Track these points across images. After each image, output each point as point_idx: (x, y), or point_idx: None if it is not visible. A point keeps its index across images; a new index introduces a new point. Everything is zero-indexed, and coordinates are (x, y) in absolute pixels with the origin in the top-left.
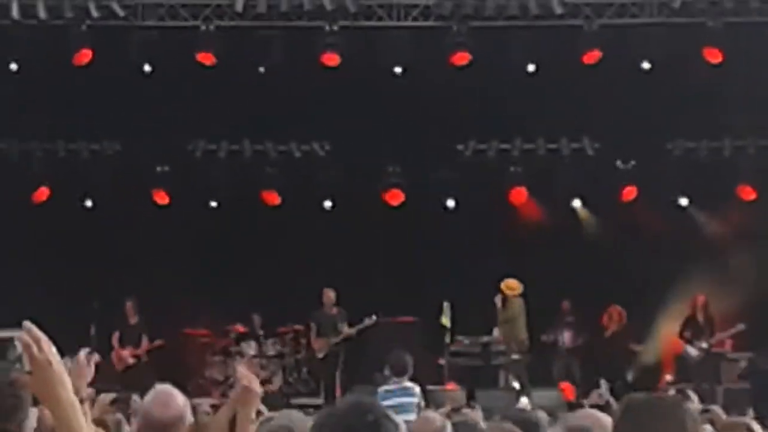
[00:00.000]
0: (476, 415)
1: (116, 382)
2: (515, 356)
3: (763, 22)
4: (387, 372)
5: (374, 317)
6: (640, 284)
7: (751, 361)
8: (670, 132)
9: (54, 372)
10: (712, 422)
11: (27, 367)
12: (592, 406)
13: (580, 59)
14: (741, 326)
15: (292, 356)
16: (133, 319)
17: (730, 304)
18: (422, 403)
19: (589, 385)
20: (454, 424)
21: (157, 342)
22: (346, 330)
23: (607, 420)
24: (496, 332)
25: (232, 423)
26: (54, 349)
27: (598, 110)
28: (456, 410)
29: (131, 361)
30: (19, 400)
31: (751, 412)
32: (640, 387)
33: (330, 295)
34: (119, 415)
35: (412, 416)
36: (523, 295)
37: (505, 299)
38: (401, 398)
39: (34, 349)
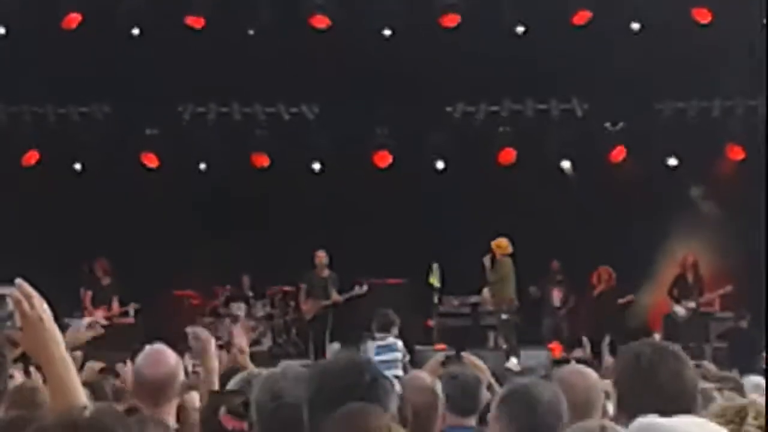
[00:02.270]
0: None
1: (92, 342)
2: (504, 316)
3: None
4: (373, 330)
5: (365, 286)
6: (629, 244)
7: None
8: (659, 92)
9: (45, 328)
10: (704, 377)
11: (18, 323)
12: (578, 361)
13: (569, 20)
14: (729, 287)
15: (281, 317)
16: (105, 280)
17: (719, 264)
18: (407, 358)
19: (576, 343)
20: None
21: (132, 305)
22: (335, 296)
23: (591, 374)
24: (485, 293)
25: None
26: (46, 306)
27: (587, 71)
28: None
29: (104, 321)
30: (4, 359)
31: (736, 372)
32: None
33: (322, 257)
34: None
35: (397, 371)
36: (512, 254)
37: (494, 259)
38: (385, 355)
39: (26, 305)
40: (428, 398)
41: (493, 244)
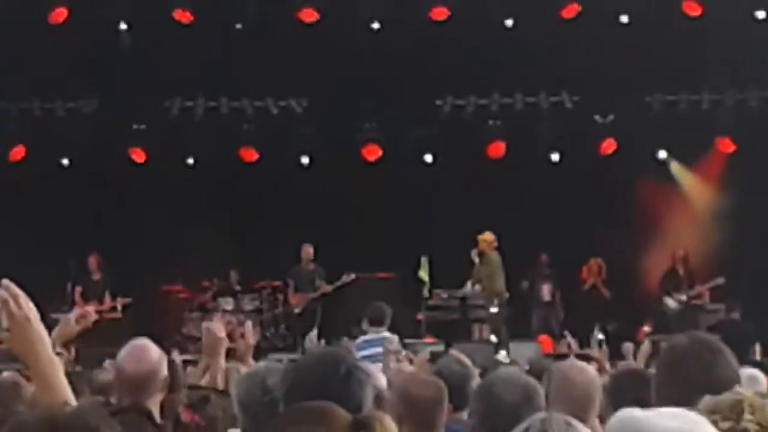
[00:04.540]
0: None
1: (79, 337)
2: (494, 310)
3: None
4: (365, 324)
5: (352, 275)
6: (619, 236)
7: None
8: (648, 85)
9: (32, 328)
10: None
11: (5, 323)
12: (578, 356)
13: (558, 13)
14: (720, 279)
15: (270, 311)
16: (96, 275)
17: (709, 256)
18: (402, 352)
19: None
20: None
21: (121, 299)
22: (324, 286)
23: (589, 370)
24: (469, 286)
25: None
26: (32, 306)
27: (576, 64)
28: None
29: (95, 316)
30: None
31: None
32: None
33: (308, 250)
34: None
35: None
36: (497, 247)
37: (482, 253)
38: (379, 347)
39: (12, 305)
40: (434, 392)
41: (480, 238)
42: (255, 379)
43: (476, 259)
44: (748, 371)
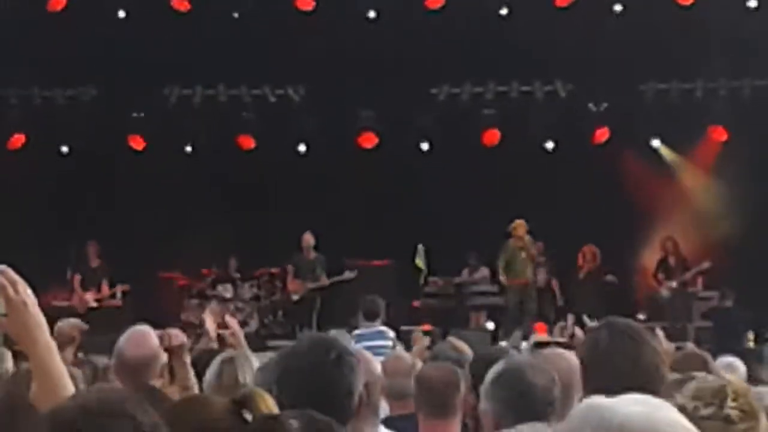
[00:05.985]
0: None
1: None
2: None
3: None
4: (359, 317)
5: (355, 271)
6: (612, 224)
7: (716, 299)
8: (642, 73)
9: (30, 314)
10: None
11: (2, 309)
12: (559, 344)
13: (552, 2)
14: (706, 264)
15: (268, 299)
16: (95, 262)
17: (701, 244)
18: (397, 347)
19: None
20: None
21: (119, 287)
22: (323, 279)
23: (571, 357)
24: (465, 273)
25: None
26: (30, 291)
27: (570, 53)
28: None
29: (94, 304)
30: None
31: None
32: None
33: (308, 239)
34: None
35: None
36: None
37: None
38: (375, 341)
39: (10, 290)
40: (447, 375)
41: (520, 226)
42: (266, 370)
43: (528, 242)
44: (726, 359)
